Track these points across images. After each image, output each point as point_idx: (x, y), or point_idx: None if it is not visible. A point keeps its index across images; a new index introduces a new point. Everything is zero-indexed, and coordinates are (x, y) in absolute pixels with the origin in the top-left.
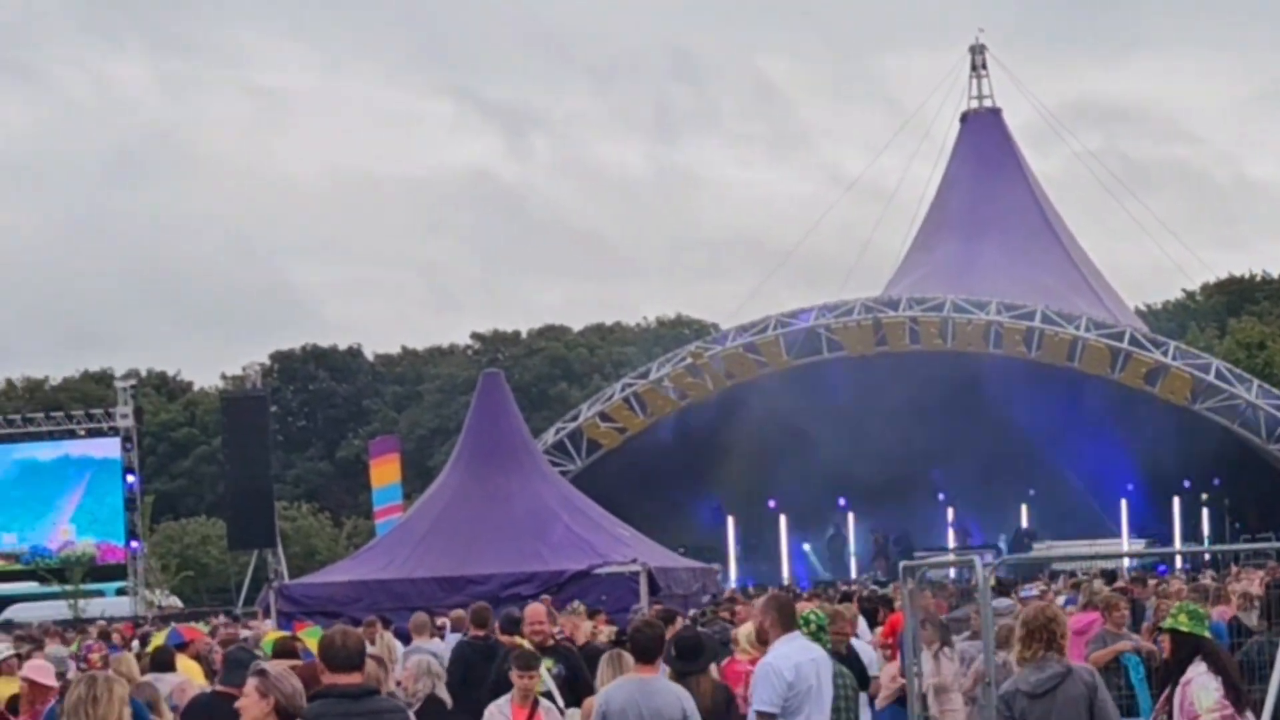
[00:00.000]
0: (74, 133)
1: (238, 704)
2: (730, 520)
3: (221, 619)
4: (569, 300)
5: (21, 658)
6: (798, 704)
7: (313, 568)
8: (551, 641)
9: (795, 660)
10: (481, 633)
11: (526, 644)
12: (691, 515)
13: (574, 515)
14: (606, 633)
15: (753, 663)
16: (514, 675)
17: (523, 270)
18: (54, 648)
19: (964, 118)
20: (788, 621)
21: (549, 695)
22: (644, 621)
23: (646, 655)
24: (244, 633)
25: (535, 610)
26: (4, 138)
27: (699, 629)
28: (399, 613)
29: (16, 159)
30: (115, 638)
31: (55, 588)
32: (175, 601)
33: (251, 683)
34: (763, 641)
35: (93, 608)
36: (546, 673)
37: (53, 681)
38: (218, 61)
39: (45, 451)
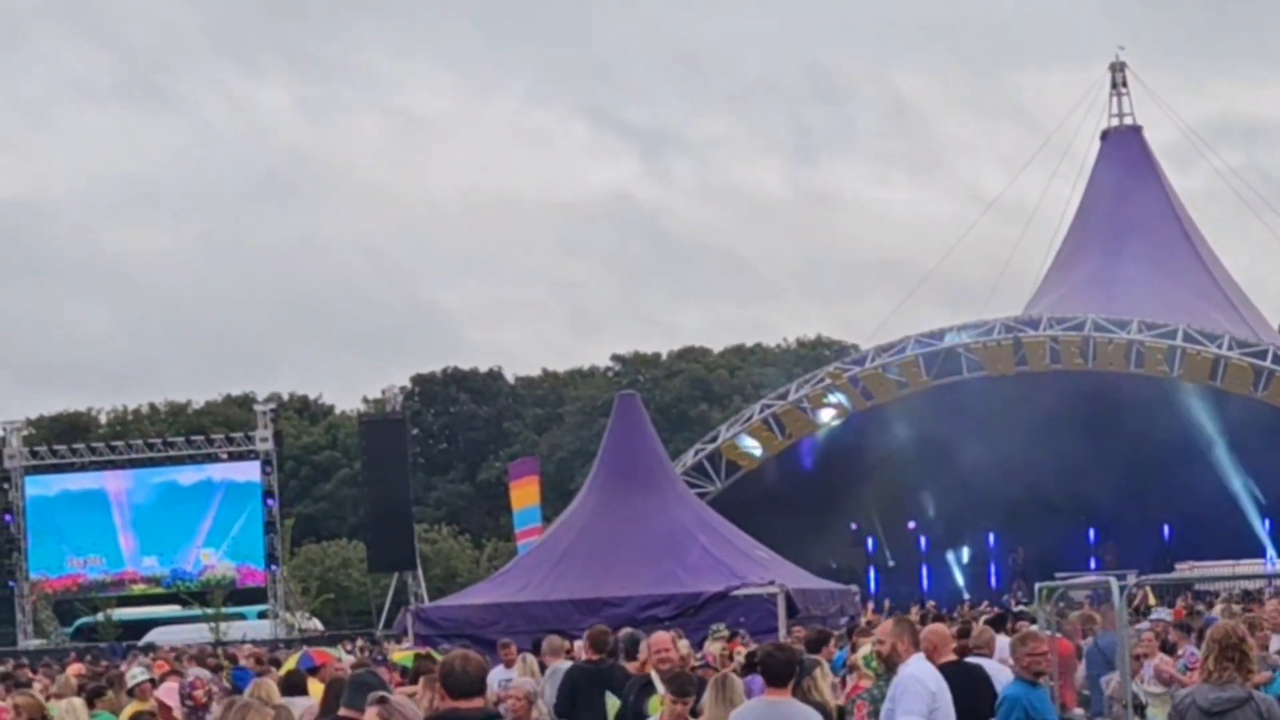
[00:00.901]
0: (214, 158)
1: None
2: (869, 541)
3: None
4: (707, 321)
5: (155, 682)
6: (942, 715)
7: (454, 590)
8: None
9: (935, 675)
10: (597, 656)
11: (651, 671)
12: (830, 536)
13: (711, 537)
14: (720, 650)
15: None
16: (668, 700)
17: (661, 292)
18: (194, 669)
19: (1104, 135)
20: (919, 641)
21: None
22: (775, 645)
23: (778, 678)
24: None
25: (660, 638)
26: (144, 163)
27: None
28: (535, 635)
29: (157, 184)
30: (249, 662)
31: (196, 611)
32: (316, 624)
33: (372, 711)
34: (891, 664)
35: (233, 631)
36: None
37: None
38: (357, 84)
39: (187, 475)
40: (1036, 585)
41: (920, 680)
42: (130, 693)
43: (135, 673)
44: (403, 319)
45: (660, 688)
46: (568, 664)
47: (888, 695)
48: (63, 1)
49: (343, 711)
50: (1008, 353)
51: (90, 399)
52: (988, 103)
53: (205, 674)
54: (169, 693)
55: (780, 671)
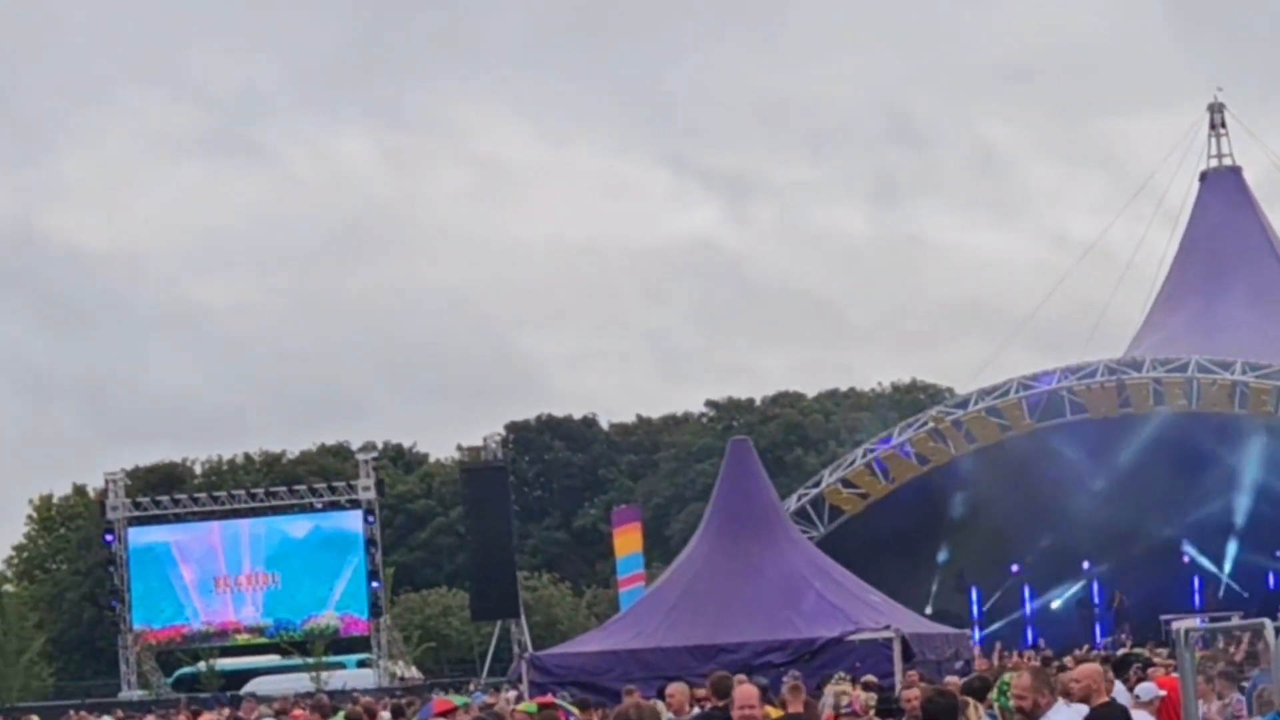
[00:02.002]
0: (299, 209)
1: None
2: (973, 586)
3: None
4: (795, 367)
5: None
6: None
7: (555, 638)
8: None
9: None
10: (722, 703)
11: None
12: (933, 580)
13: (825, 582)
14: (864, 698)
15: None
16: None
17: (747, 337)
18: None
19: (1203, 177)
20: (1054, 690)
21: None
22: (937, 690)
23: None
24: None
25: (746, 693)
26: (230, 215)
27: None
28: (650, 682)
29: (243, 236)
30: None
31: (297, 660)
32: (416, 673)
33: None
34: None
35: (334, 680)
36: None
37: None
38: (440, 134)
39: (288, 525)
40: (1177, 627)
41: None
42: None
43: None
44: (492, 367)
45: None
46: (696, 711)
47: None
48: (147, 57)
49: None
50: (1111, 395)
51: (184, 450)
52: (1070, 147)
53: None
54: None
55: (942, 715)
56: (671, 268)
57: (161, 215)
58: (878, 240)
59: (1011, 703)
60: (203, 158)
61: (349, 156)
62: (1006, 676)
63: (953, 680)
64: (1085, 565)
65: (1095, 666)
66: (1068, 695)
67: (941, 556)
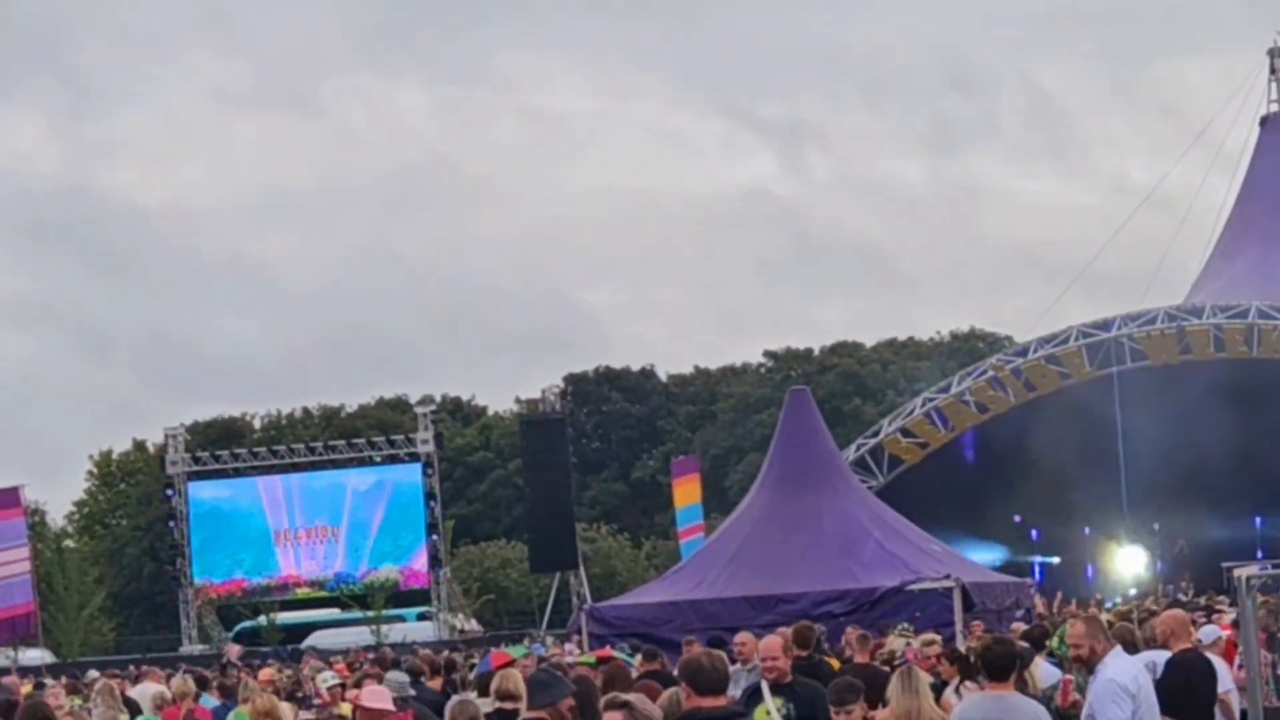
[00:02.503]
0: (355, 162)
1: None
2: (1033, 533)
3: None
4: (853, 316)
5: (345, 686)
6: (1145, 713)
7: (614, 589)
8: (789, 678)
9: (1133, 673)
10: (804, 653)
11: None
12: (994, 529)
13: (885, 531)
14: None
15: None
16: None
17: (804, 287)
18: (394, 673)
19: (1263, 122)
20: (1109, 636)
21: None
22: (996, 638)
23: (1001, 672)
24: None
25: (770, 644)
26: (287, 169)
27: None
28: (709, 633)
29: (300, 190)
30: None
31: (357, 614)
32: (476, 626)
33: (619, 716)
34: (1089, 665)
35: (394, 633)
36: (776, 713)
37: (389, 705)
38: (496, 86)
39: (347, 479)
40: (1239, 574)
41: (1118, 684)
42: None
43: (325, 677)
44: (549, 319)
45: (767, 697)
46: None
47: (1087, 699)
48: (202, 12)
49: (528, 713)
50: (1171, 342)
51: (243, 404)
52: (1129, 92)
53: (404, 676)
54: (378, 695)
55: (1002, 665)
56: (728, 218)
57: (218, 170)
58: (935, 188)
59: (1070, 651)
60: (259, 112)
61: (405, 109)
62: (1066, 625)
63: (1016, 628)
64: (1145, 512)
65: (1179, 612)
66: (1150, 641)
67: (1001, 505)
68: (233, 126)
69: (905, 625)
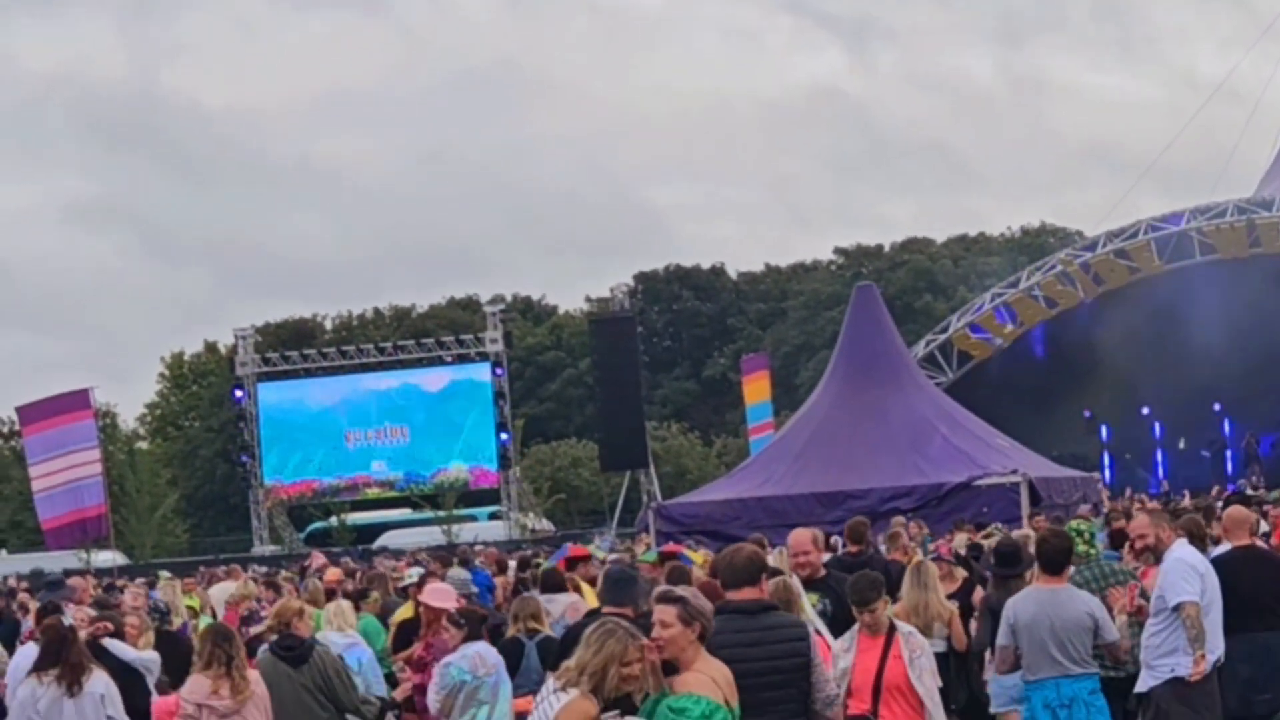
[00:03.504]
0: (423, 62)
1: (659, 635)
2: (1103, 428)
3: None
4: (922, 212)
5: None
6: (1210, 597)
7: (684, 487)
8: (821, 573)
9: (1200, 557)
10: (856, 548)
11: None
12: (1063, 424)
13: (952, 427)
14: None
15: None
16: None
17: (872, 184)
18: (455, 570)
19: None
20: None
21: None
22: (1050, 531)
23: (1053, 566)
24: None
25: (799, 538)
26: (354, 70)
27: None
28: (777, 530)
29: (366, 91)
30: (489, 565)
31: (428, 514)
32: (547, 525)
33: (673, 610)
34: (1156, 554)
35: (465, 533)
36: (811, 609)
37: (452, 605)
38: None
39: (416, 379)
40: None
41: (1188, 563)
42: (403, 593)
43: (411, 573)
44: (618, 218)
45: (801, 594)
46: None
47: (1158, 582)
48: None
49: (606, 608)
50: (1241, 235)
51: (313, 305)
52: None
53: (466, 573)
54: (441, 594)
55: (1056, 559)
56: (796, 115)
57: (284, 71)
58: (1003, 83)
59: (1137, 543)
60: (325, 11)
61: (473, 9)
62: (1074, 523)
63: None
64: (1216, 407)
65: (1241, 509)
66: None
67: (1070, 400)
68: (299, 25)
69: (998, 525)
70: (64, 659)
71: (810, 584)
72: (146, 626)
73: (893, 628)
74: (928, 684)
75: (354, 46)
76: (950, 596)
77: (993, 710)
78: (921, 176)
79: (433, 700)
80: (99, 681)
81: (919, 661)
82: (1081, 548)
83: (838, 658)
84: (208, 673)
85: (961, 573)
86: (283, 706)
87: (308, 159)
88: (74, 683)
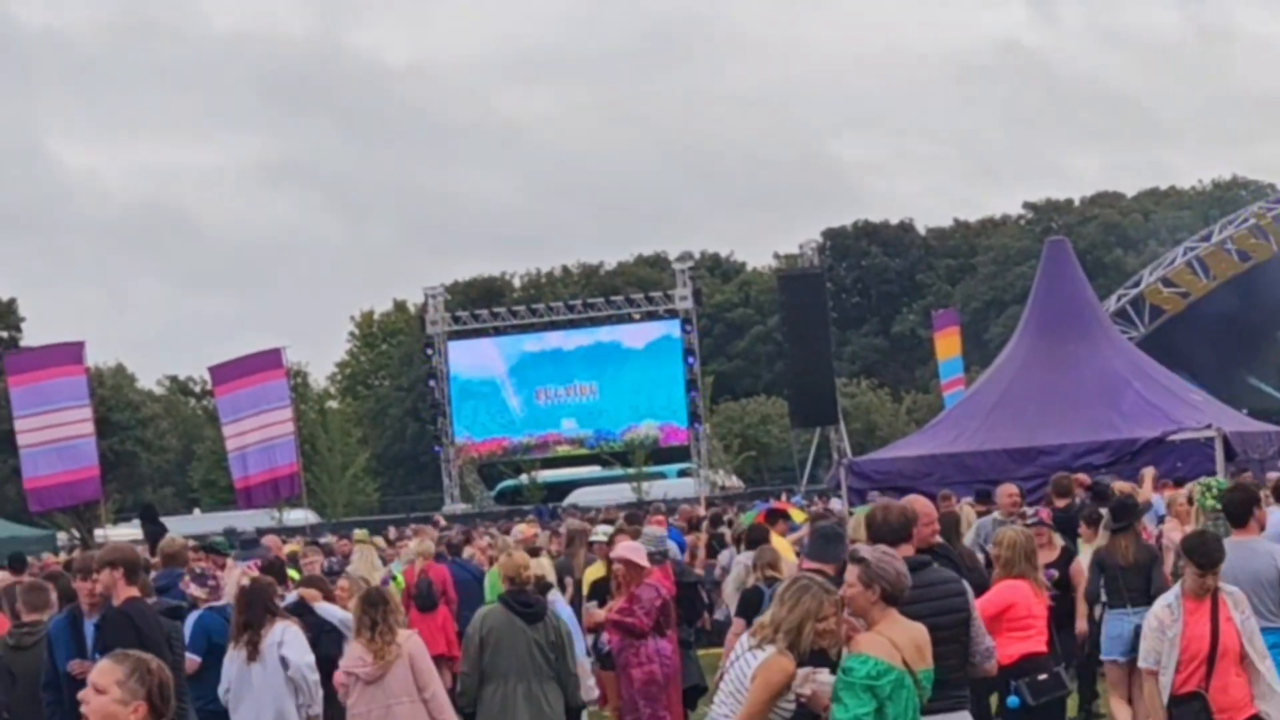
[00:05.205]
0: (604, 17)
1: (844, 592)
2: None
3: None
4: (1111, 166)
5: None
6: None
7: (874, 444)
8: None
9: None
10: (1063, 503)
11: None
12: (1256, 377)
13: (1145, 382)
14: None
15: None
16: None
17: (1058, 138)
18: (650, 528)
19: None
20: None
21: None
22: (1235, 485)
23: (1239, 518)
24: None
25: (926, 509)
26: (534, 25)
27: None
28: (969, 485)
29: (548, 46)
30: (679, 523)
31: (618, 471)
32: (737, 482)
33: (855, 571)
34: None
35: (655, 490)
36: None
37: (645, 562)
38: None
39: (606, 335)
40: None
41: None
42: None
43: (600, 530)
44: (803, 173)
45: None
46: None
47: None
48: None
49: (807, 564)
50: None
51: (501, 263)
52: None
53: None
54: (634, 550)
55: (1238, 511)
56: (980, 69)
57: (465, 27)
58: (1189, 34)
59: None
60: None
61: None
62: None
63: (1270, 477)
64: None
65: None
66: None
67: (1264, 353)
68: None
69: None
70: (242, 623)
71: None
72: (357, 589)
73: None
74: (1259, 646)
75: (537, 2)
76: (1049, 566)
77: (1103, 657)
78: (1108, 129)
79: None
80: (276, 630)
81: (1249, 624)
82: (1209, 503)
83: (1164, 626)
84: (359, 640)
85: (1060, 541)
86: (515, 657)
87: (491, 115)
88: (253, 642)
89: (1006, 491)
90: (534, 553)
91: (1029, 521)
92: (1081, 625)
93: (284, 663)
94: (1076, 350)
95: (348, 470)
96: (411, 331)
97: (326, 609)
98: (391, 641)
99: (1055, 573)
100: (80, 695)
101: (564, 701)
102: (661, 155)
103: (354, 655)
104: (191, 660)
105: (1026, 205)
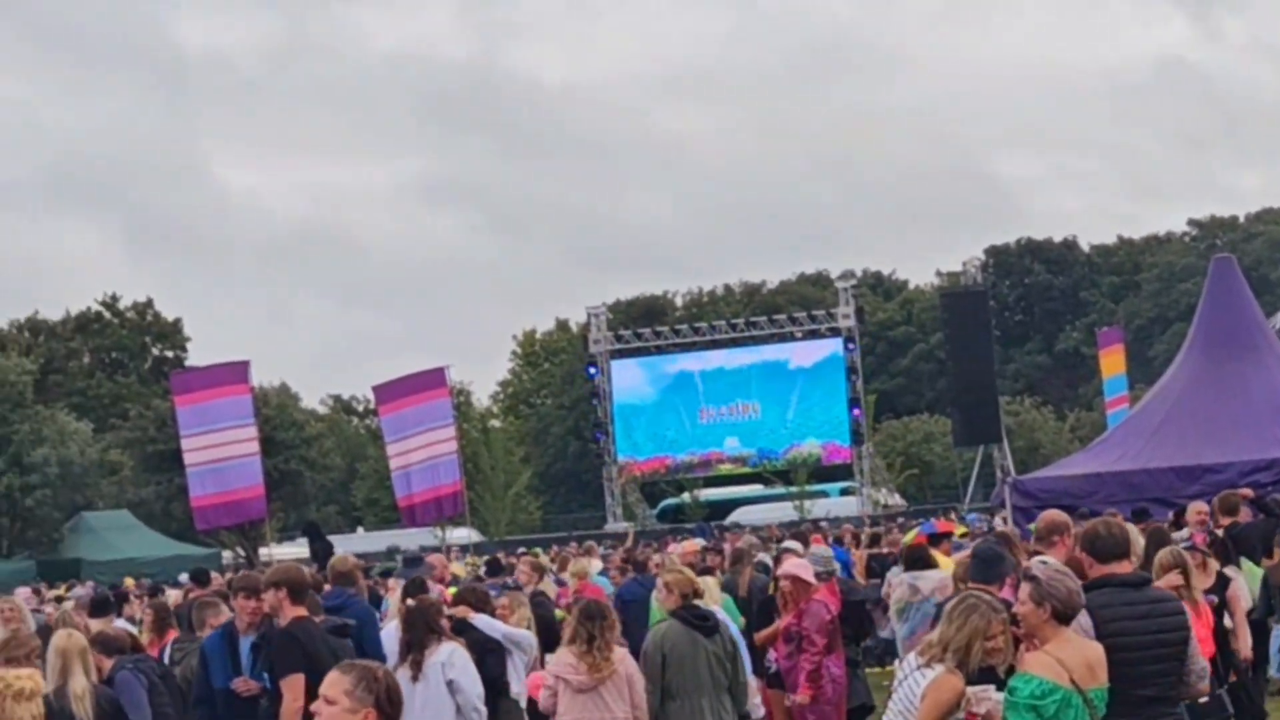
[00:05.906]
0: (761, 35)
1: (1016, 609)
2: None
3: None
4: (1273, 182)
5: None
6: None
7: (1037, 462)
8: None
9: None
10: (1229, 521)
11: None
12: None
13: None
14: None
15: None
16: None
17: (1220, 154)
18: (818, 546)
19: None
20: None
21: None
22: None
23: None
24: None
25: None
26: (692, 44)
27: None
28: (1134, 504)
29: (705, 64)
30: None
31: (780, 490)
32: (900, 500)
33: (1026, 589)
34: None
35: (817, 509)
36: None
37: (811, 578)
38: None
39: (768, 354)
40: None
41: None
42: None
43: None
44: (965, 190)
45: None
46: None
47: None
48: None
49: (972, 584)
50: None
51: (663, 282)
52: None
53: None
54: (801, 567)
55: None
56: (1138, 86)
57: (622, 46)
58: None
59: None
60: None
61: None
62: None
63: None
64: None
65: None
66: None
67: None
68: (637, 2)
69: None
70: (406, 643)
71: None
72: (518, 604)
73: None
74: None
75: (693, 19)
76: (1207, 592)
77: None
78: (1272, 145)
79: None
80: (442, 651)
81: None
82: None
83: None
84: (572, 648)
85: (1215, 565)
86: (695, 671)
87: (650, 134)
88: (417, 662)
89: (1196, 509)
90: (706, 571)
91: (1183, 545)
92: (1245, 652)
93: (451, 686)
94: (1242, 368)
95: (510, 489)
96: (574, 350)
97: (487, 622)
98: (608, 656)
99: (1215, 599)
100: (312, 708)
101: (736, 712)
102: (822, 172)
103: (565, 662)
104: None
105: (1191, 222)
